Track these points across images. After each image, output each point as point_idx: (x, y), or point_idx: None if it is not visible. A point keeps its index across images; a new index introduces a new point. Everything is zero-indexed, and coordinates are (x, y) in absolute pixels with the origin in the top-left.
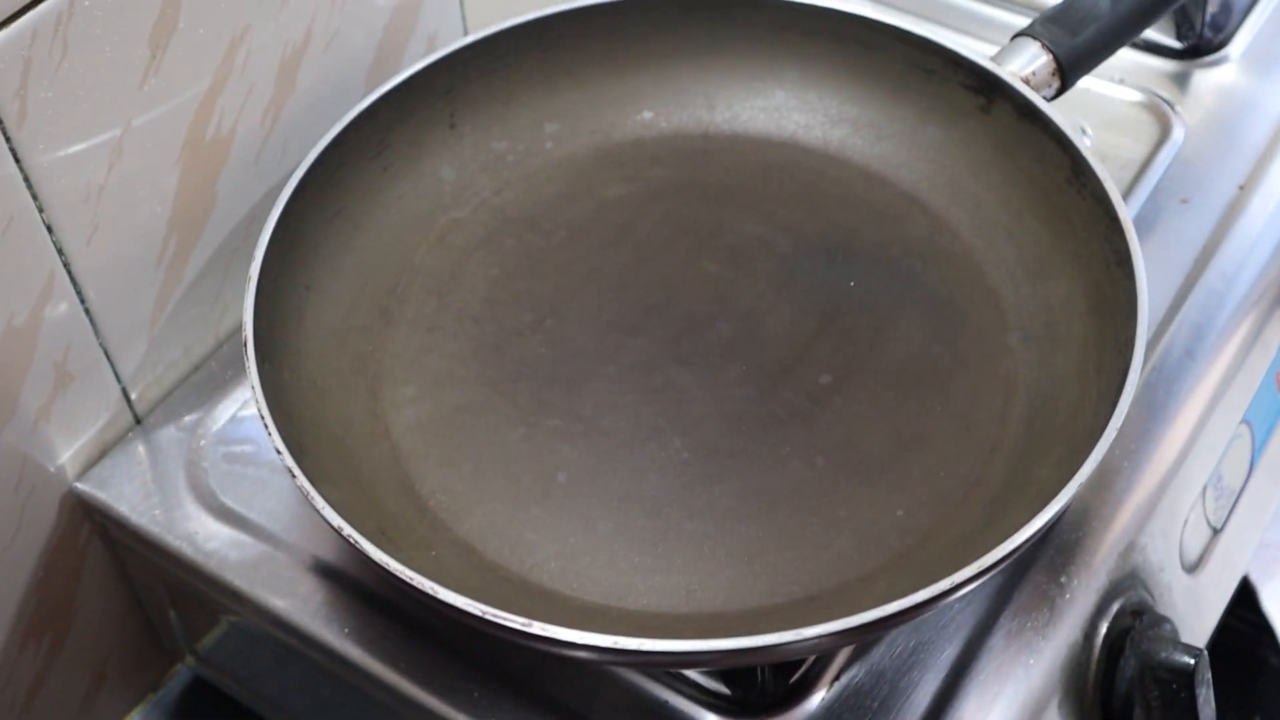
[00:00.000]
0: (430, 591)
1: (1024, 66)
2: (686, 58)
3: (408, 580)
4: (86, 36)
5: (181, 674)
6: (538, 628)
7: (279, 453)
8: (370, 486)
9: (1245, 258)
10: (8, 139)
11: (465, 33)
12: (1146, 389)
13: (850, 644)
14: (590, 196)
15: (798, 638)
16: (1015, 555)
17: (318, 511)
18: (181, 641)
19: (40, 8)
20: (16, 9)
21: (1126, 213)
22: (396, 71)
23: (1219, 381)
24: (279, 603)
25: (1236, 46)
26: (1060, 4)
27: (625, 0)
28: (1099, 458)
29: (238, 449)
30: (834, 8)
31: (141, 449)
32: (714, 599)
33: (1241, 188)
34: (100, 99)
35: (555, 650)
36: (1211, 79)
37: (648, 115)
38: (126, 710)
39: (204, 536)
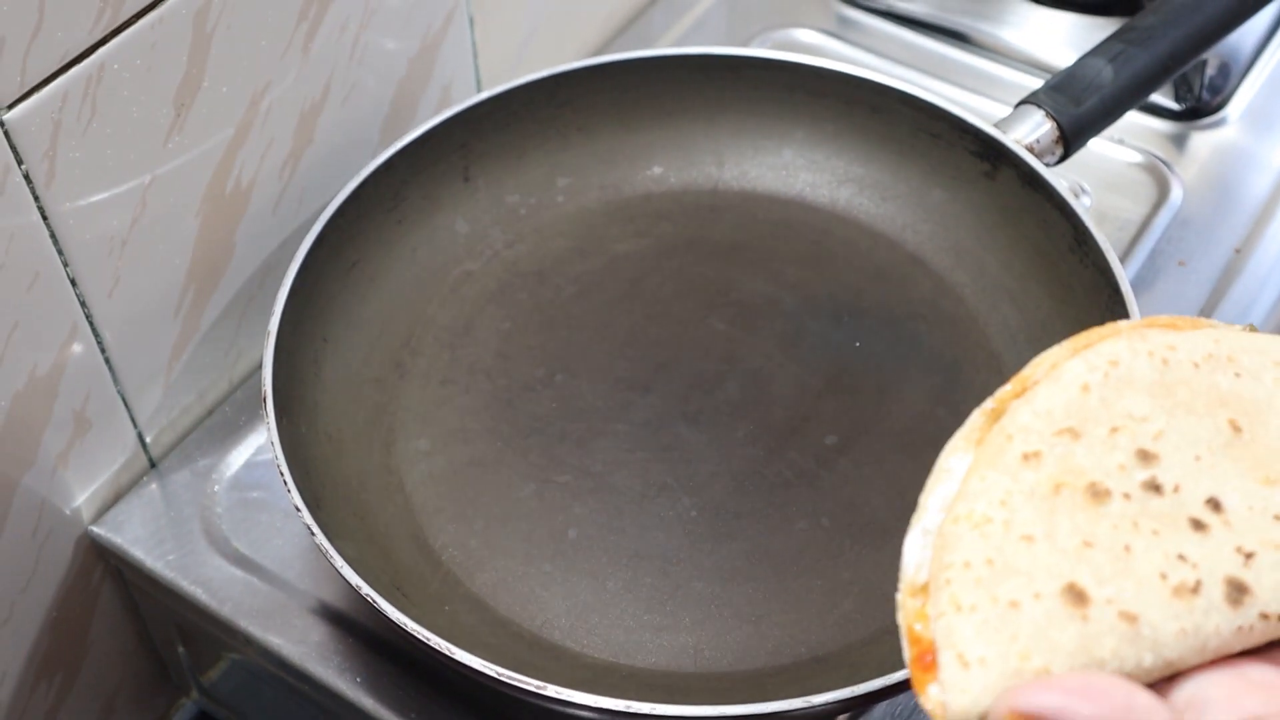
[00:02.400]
0: (448, 653)
1: (1028, 134)
2: (697, 115)
3: (424, 640)
4: (115, 98)
5: (187, 708)
6: (552, 690)
7: (297, 510)
8: (384, 540)
9: (1241, 320)
10: (36, 197)
11: (479, 87)
12: None
13: (856, 710)
14: (601, 251)
15: (805, 705)
16: None
17: (336, 570)
18: (189, 677)
19: (72, 71)
20: (49, 73)
21: (1128, 285)
22: (411, 124)
23: None
24: (291, 648)
25: (1234, 108)
26: (1064, 72)
27: (637, 58)
28: None
29: (251, 494)
30: (842, 70)
31: (156, 493)
32: (721, 659)
33: (1238, 251)
34: (125, 156)
35: (569, 711)
36: (1209, 140)
37: (658, 171)
38: None
39: (217, 581)
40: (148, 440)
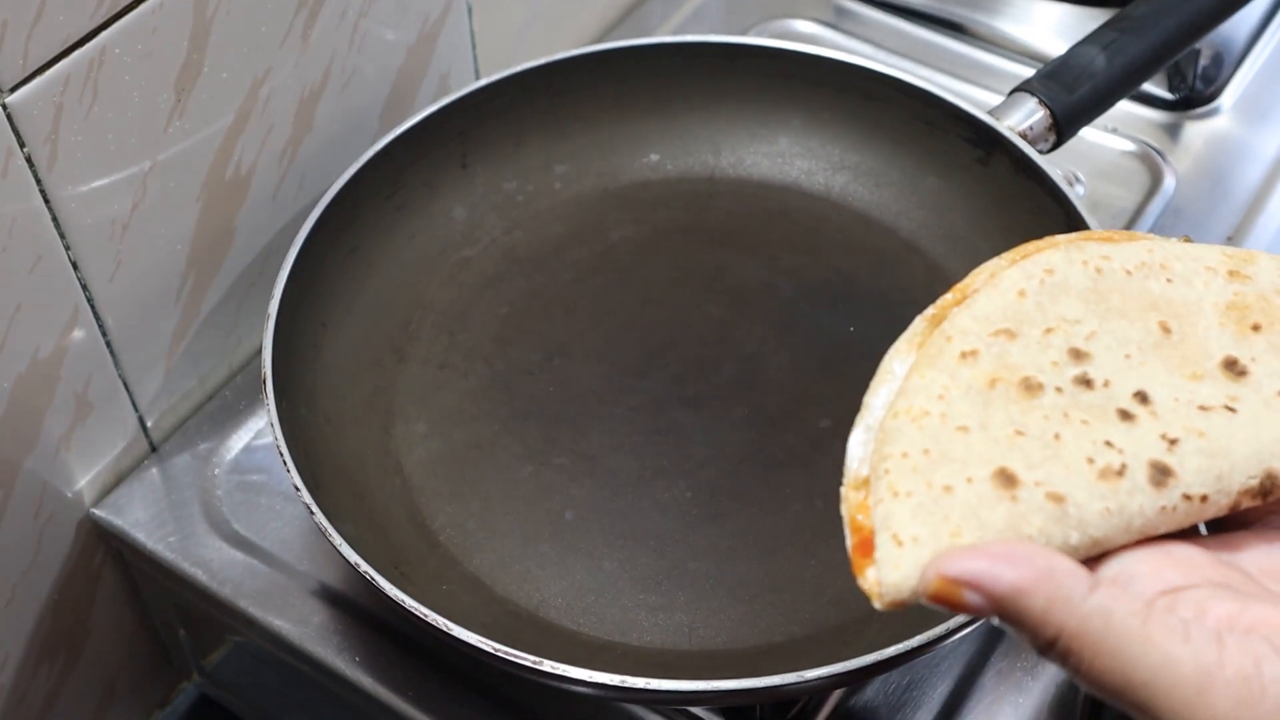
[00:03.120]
0: (444, 628)
1: (1021, 121)
2: (693, 104)
3: (422, 616)
4: (116, 82)
5: (188, 691)
6: (548, 665)
7: (297, 489)
8: (383, 521)
9: None
10: (38, 180)
11: (477, 75)
12: None
13: (848, 685)
14: (598, 238)
15: (798, 680)
16: None
17: (335, 548)
18: (190, 660)
19: (74, 55)
20: (51, 57)
21: None
22: (410, 111)
23: None
24: (291, 629)
25: (1228, 98)
26: (1058, 60)
27: (634, 46)
28: None
29: (251, 477)
30: (837, 58)
31: (157, 476)
32: (716, 637)
33: (1230, 239)
34: (126, 141)
35: (563, 686)
36: (1203, 130)
37: (655, 158)
38: None
39: (217, 562)
40: (149, 424)
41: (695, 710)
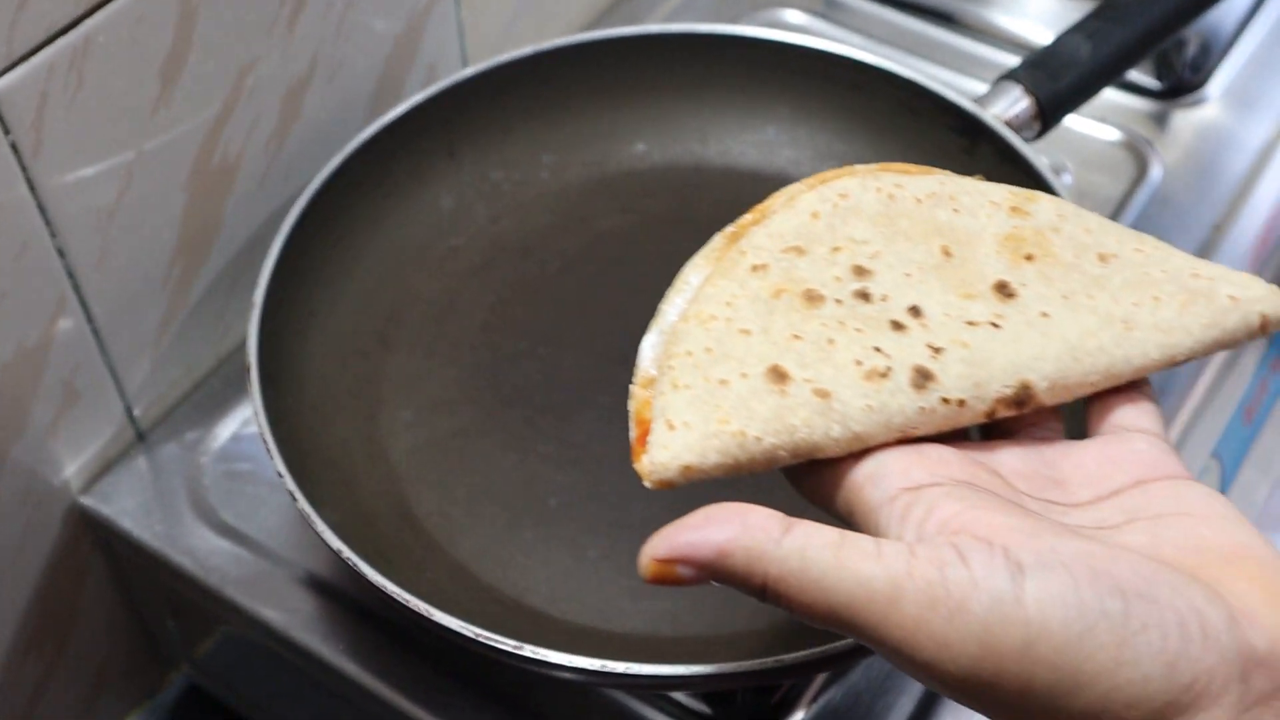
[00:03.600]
0: (426, 614)
1: (1006, 109)
2: (681, 93)
3: (404, 602)
4: (101, 70)
5: (177, 681)
6: (529, 650)
7: (280, 475)
8: (368, 508)
9: None
10: (24, 168)
11: (465, 64)
12: None
13: (829, 670)
14: (584, 227)
15: (778, 664)
16: None
17: (318, 534)
18: (178, 650)
19: (58, 43)
20: (36, 44)
21: None
22: (398, 100)
23: (1190, 416)
24: (277, 617)
25: (1215, 87)
26: (1044, 49)
27: (622, 36)
28: None
29: (238, 466)
30: (825, 49)
31: (144, 465)
32: (698, 623)
33: (1216, 227)
34: (112, 128)
35: (545, 671)
36: (1190, 119)
37: (642, 148)
38: (123, 716)
39: (204, 551)
40: (136, 413)
41: (677, 696)
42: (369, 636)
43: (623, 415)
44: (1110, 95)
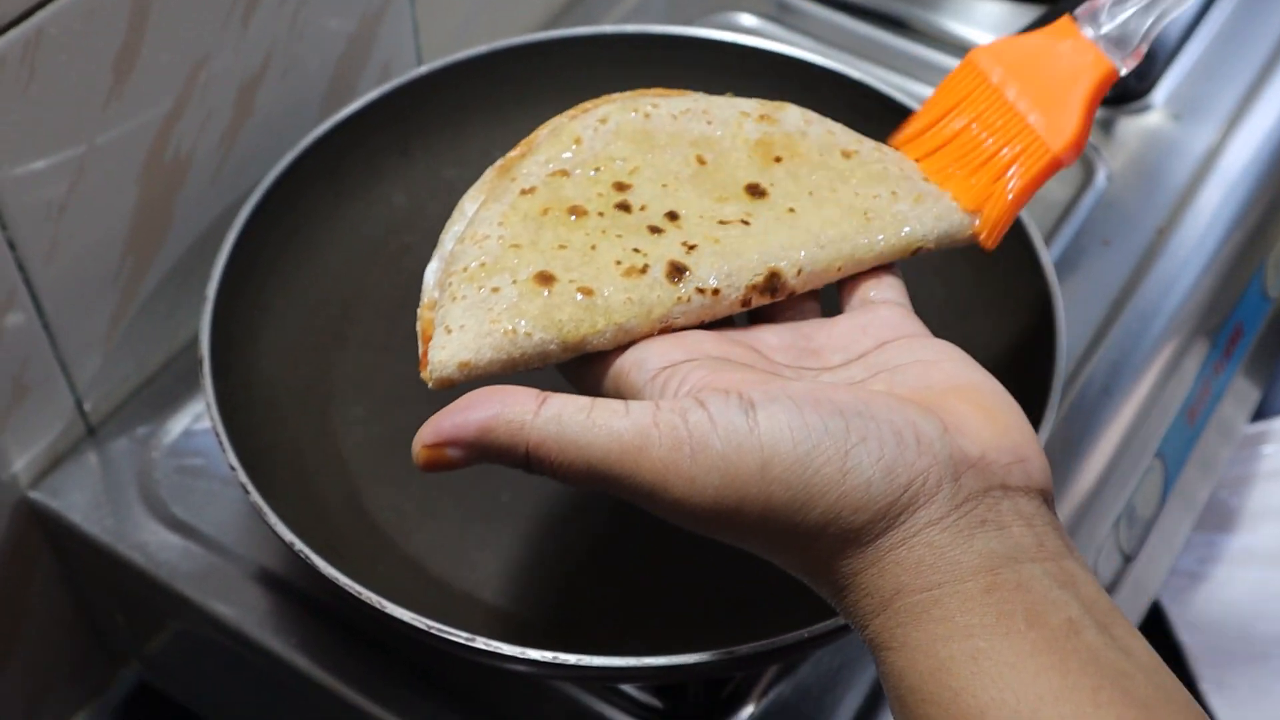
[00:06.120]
0: (378, 606)
1: None
2: None
3: (356, 595)
4: (53, 62)
5: (127, 678)
6: (481, 642)
7: (232, 468)
8: (320, 503)
9: (1161, 298)
10: None
11: (419, 62)
12: (1064, 424)
13: (779, 663)
14: None
15: (728, 655)
16: None
17: (270, 526)
18: (128, 646)
19: (9, 34)
20: None
21: (1049, 258)
22: (352, 98)
23: (1134, 416)
24: (228, 611)
25: (1159, 94)
26: None
27: (575, 35)
28: None
29: (189, 461)
30: (774, 50)
31: (94, 459)
32: (652, 618)
33: (1160, 231)
34: (64, 121)
35: (497, 664)
36: (1135, 125)
37: None
38: (71, 714)
39: (155, 546)
40: (87, 407)
41: (628, 688)
42: (321, 631)
43: None
44: None
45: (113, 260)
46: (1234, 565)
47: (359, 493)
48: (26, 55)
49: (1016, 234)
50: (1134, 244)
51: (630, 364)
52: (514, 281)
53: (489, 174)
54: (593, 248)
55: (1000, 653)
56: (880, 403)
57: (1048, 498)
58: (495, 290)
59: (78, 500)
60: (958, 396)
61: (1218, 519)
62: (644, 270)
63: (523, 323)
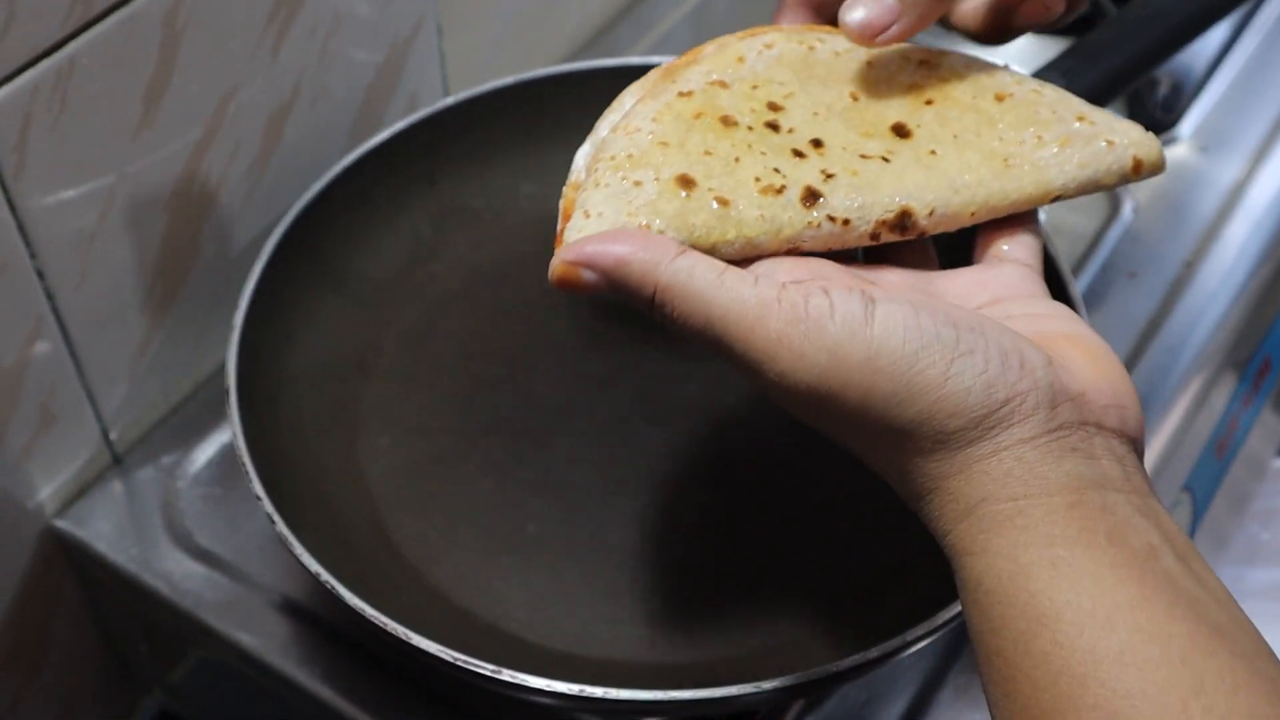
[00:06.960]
0: (404, 637)
1: None
2: None
3: (382, 626)
4: (85, 92)
5: (149, 706)
6: (507, 675)
7: (258, 498)
8: (345, 532)
9: (1189, 331)
10: (5, 189)
11: (446, 93)
12: None
13: (805, 697)
14: None
15: (755, 690)
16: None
17: (295, 556)
18: (151, 675)
19: (42, 64)
20: (19, 65)
21: (1078, 292)
22: (379, 128)
23: (1163, 450)
24: (252, 641)
25: (1187, 126)
26: None
27: (602, 67)
28: None
29: (214, 490)
30: None
31: (120, 488)
32: (676, 650)
33: (1188, 263)
34: (94, 151)
35: (522, 696)
36: None
37: None
38: None
39: (179, 575)
40: (112, 436)
41: None
42: (345, 661)
43: (601, 443)
44: None
45: (141, 289)
46: (1264, 599)
47: (384, 523)
48: (59, 85)
49: (1047, 269)
50: (1161, 276)
51: (757, 275)
52: (656, 179)
53: (653, 74)
54: (736, 160)
55: (1080, 562)
56: (994, 326)
57: (1138, 447)
58: (637, 184)
59: (103, 529)
60: (1069, 342)
61: (1248, 552)
62: (780, 190)
63: (658, 220)
